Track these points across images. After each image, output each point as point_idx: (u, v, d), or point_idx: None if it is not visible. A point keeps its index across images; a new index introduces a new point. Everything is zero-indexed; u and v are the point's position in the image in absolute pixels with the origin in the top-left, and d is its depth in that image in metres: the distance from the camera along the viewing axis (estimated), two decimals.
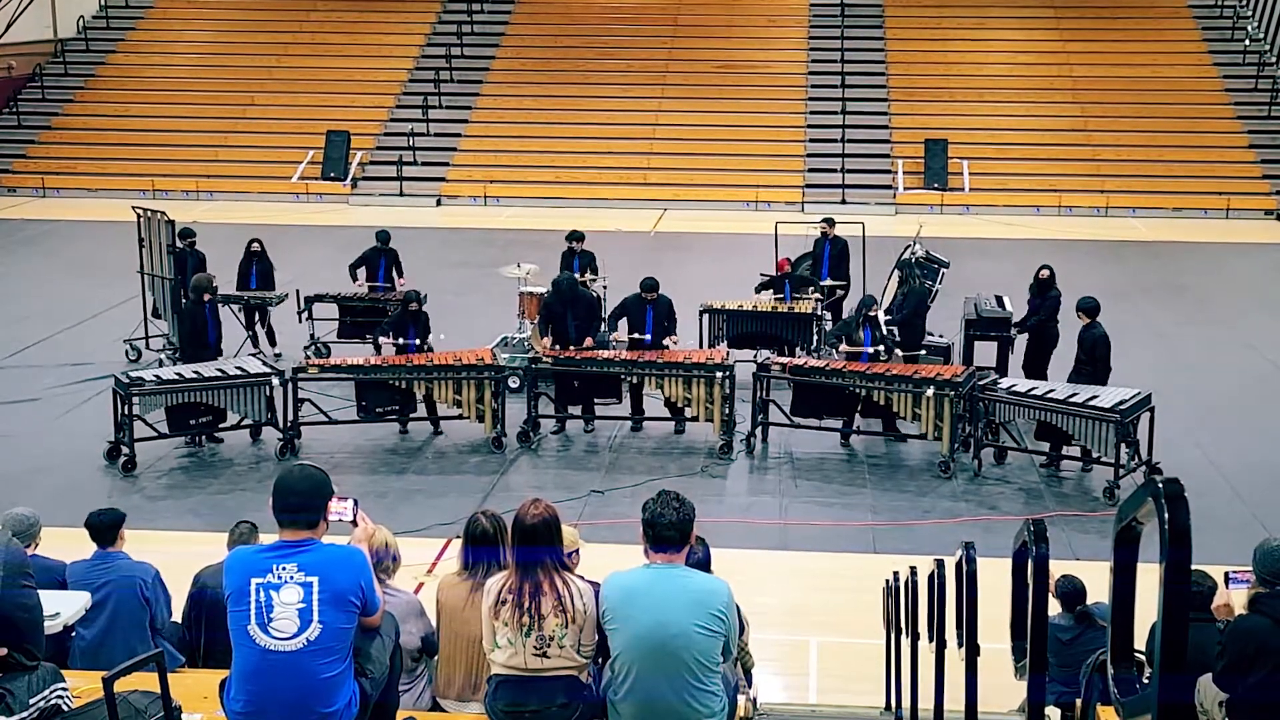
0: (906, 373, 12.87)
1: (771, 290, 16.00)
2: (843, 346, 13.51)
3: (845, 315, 16.45)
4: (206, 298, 13.64)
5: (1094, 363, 12.63)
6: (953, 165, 28.19)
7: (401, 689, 5.46)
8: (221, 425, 13.25)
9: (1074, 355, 12.95)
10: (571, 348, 13.69)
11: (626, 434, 13.84)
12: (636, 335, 13.81)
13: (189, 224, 16.87)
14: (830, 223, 16.60)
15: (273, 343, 16.27)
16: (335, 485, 4.73)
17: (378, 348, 14.32)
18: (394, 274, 16.57)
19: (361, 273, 16.63)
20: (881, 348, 13.29)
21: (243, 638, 4.51)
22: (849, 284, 16.51)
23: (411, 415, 13.61)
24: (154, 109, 31.04)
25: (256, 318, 16.30)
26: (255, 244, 16.67)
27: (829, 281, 16.23)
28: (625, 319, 13.97)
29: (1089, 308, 12.71)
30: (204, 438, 13.32)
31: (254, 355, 14.17)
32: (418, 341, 13.86)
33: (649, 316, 13.85)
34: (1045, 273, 14.35)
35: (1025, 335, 14.35)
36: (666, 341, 13.71)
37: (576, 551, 5.92)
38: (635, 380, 13.32)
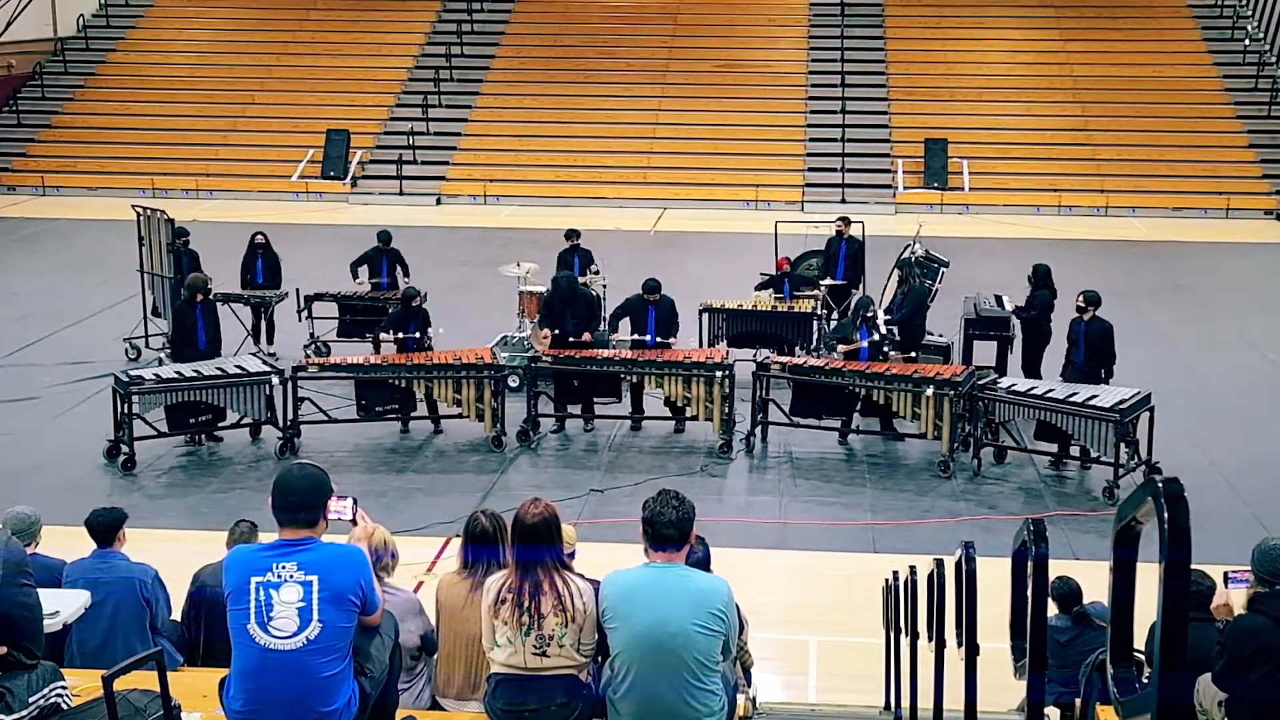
0: (906, 372, 12.86)
1: (771, 289, 16.02)
2: (841, 347, 13.52)
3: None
4: (199, 298, 13.60)
5: (1102, 355, 12.64)
6: (952, 165, 28.19)
7: (401, 688, 5.46)
8: (221, 424, 13.24)
9: (1068, 351, 12.91)
10: (571, 343, 13.72)
11: (626, 433, 13.84)
12: (638, 336, 13.86)
13: (185, 223, 16.86)
14: (846, 222, 16.67)
15: (270, 340, 16.24)
16: (335, 484, 4.73)
17: (377, 345, 14.41)
18: (397, 273, 16.54)
19: (364, 271, 16.62)
20: (873, 342, 13.22)
21: (242, 636, 4.51)
22: (858, 284, 16.53)
23: (412, 414, 13.61)
24: (154, 108, 31.03)
25: (262, 315, 16.30)
26: (259, 236, 16.69)
27: (831, 281, 16.22)
28: (628, 319, 14.01)
29: (1095, 300, 12.72)
30: (203, 436, 13.32)
31: (254, 354, 14.16)
32: (417, 335, 13.85)
33: (651, 317, 13.88)
34: (1041, 268, 14.37)
35: (1021, 335, 14.36)
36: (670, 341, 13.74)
37: (572, 552, 5.92)
38: (635, 380, 13.34)
